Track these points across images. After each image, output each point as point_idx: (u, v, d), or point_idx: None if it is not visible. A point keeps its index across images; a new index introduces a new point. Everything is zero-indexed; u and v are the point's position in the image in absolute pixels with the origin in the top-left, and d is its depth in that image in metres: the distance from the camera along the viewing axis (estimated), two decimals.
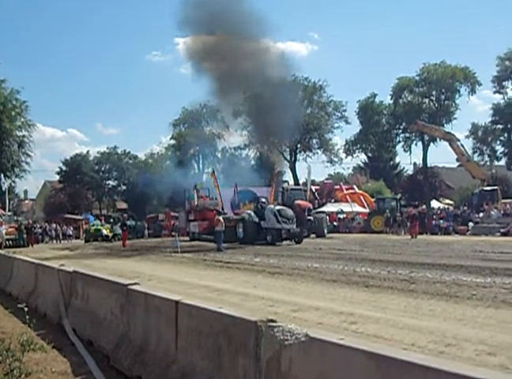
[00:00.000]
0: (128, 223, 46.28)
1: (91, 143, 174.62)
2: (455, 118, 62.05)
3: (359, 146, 67.47)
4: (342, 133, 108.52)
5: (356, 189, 50.32)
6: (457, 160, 56.29)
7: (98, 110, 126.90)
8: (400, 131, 64.27)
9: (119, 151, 79.13)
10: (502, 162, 63.99)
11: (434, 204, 59.20)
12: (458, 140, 50.84)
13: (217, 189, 40.70)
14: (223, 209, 38.72)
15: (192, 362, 6.02)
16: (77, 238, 53.38)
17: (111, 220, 56.07)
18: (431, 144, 60.98)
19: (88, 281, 9.83)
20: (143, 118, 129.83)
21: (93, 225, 51.51)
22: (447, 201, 62.25)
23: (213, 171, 44.75)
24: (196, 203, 40.88)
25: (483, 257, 19.90)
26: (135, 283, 8.06)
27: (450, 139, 50.29)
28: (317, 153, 64.73)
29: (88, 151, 80.00)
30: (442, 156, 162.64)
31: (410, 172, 71.54)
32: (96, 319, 8.93)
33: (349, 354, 4.02)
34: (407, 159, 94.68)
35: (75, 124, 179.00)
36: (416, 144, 64.09)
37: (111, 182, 79.72)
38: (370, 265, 17.86)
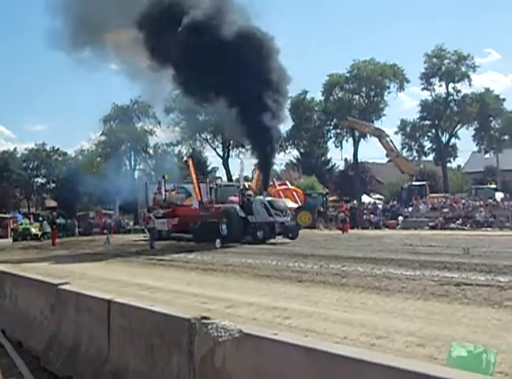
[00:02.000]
0: (58, 221, 45.23)
1: (18, 140, 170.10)
2: (384, 115, 63.25)
3: (291, 142, 67.93)
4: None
5: (289, 185, 50.61)
6: (387, 156, 57.40)
7: (25, 106, 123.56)
8: (332, 127, 65.04)
9: (48, 147, 77.47)
10: (430, 157, 65.61)
11: (365, 199, 60.22)
12: (388, 136, 51.88)
13: (195, 179, 36.87)
14: (202, 203, 34.41)
15: (125, 361, 5.94)
16: (5, 237, 51.94)
17: (40, 219, 54.76)
18: (362, 139, 61.96)
19: (16, 281, 9.59)
20: (72, 113, 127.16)
21: (21, 224, 50.21)
22: (377, 196, 63.43)
23: (191, 157, 41.61)
24: (164, 197, 35.74)
25: (412, 251, 20.33)
26: (65, 283, 7.90)
27: (380, 135, 51.25)
28: (249, 149, 64.96)
29: (15, 149, 78.15)
30: (372, 152, 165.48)
31: (341, 168, 72.56)
32: (25, 320, 8.72)
33: (283, 348, 4.03)
34: (338, 155, 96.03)
35: (1, 120, 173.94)
36: (346, 140, 64.99)
37: (40, 180, 77.90)
38: (303, 260, 18.00)
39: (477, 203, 41.88)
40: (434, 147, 64.00)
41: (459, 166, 74.83)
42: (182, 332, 5.11)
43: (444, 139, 63.33)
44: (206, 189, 34.81)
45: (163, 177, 37.32)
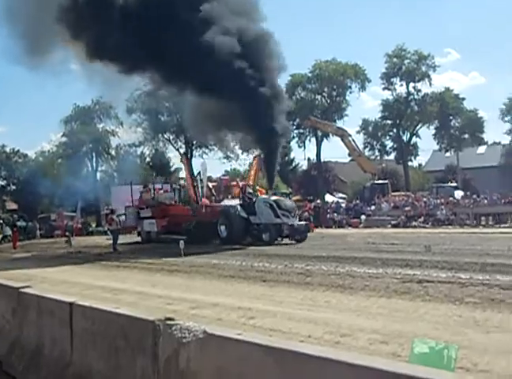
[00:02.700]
0: (18, 223, 44.67)
1: None
2: (346, 114, 63.67)
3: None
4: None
5: (257, 187, 50.85)
6: (349, 155, 57.81)
7: None
8: (294, 127, 65.31)
9: (8, 149, 76.23)
10: (392, 156, 66.24)
11: (328, 198, 60.53)
12: (350, 136, 52.22)
13: (189, 177, 35.52)
14: (197, 202, 32.84)
15: (89, 363, 5.89)
16: None
17: (1, 221, 53.91)
18: (324, 139, 62.29)
19: None
20: (32, 114, 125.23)
21: None
22: (340, 195, 63.80)
23: (185, 154, 40.05)
24: (152, 196, 33.89)
25: (375, 249, 20.51)
26: (27, 286, 7.80)
27: (342, 134, 51.59)
28: (213, 149, 64.77)
29: None
30: (335, 151, 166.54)
31: (305, 167, 72.83)
32: None
33: (247, 348, 4.04)
34: (301, 155, 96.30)
35: None
36: (309, 140, 65.27)
37: (0, 182, 76.69)
38: (267, 260, 18.05)
39: (438, 201, 42.41)
40: (395, 146, 64.64)
41: (420, 165, 75.64)
42: (146, 334, 5.08)
43: (405, 138, 64.04)
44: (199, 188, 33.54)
45: (153, 175, 35.36)
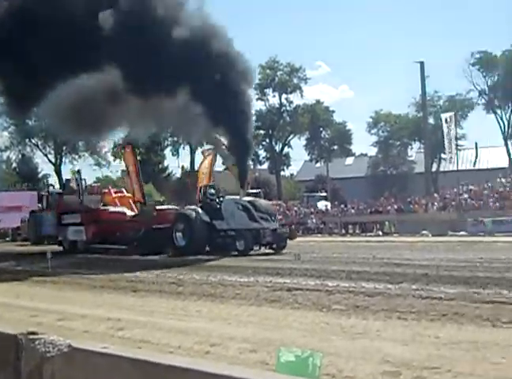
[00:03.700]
0: None
1: None
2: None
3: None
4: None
5: (125, 193, 49.94)
6: (223, 164, 58.24)
7: None
8: (169, 135, 64.95)
9: None
10: (265, 166, 67.41)
11: None
12: (224, 145, 52.58)
13: (135, 172, 30.59)
14: (144, 203, 29.34)
15: None
16: None
17: None
18: (199, 148, 62.42)
19: None
20: None
21: None
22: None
23: (131, 144, 32.89)
24: (80, 199, 28.79)
25: (246, 258, 20.73)
26: None
27: (216, 144, 51.86)
28: (84, 155, 63.19)
29: None
30: None
31: (178, 175, 72.58)
32: None
33: (113, 362, 3.94)
34: (175, 163, 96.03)
35: None
36: (183, 148, 65.20)
37: None
38: (138, 269, 17.80)
39: (308, 210, 43.52)
40: (268, 156, 65.86)
41: (292, 175, 77.35)
42: (8, 349, 4.84)
43: (278, 148, 65.38)
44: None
45: (78, 171, 31.75)
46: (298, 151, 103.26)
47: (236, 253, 22.08)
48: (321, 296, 11.02)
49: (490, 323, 8.04)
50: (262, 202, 24.56)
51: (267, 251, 22.87)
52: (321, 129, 65.44)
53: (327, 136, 66.27)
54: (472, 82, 62.05)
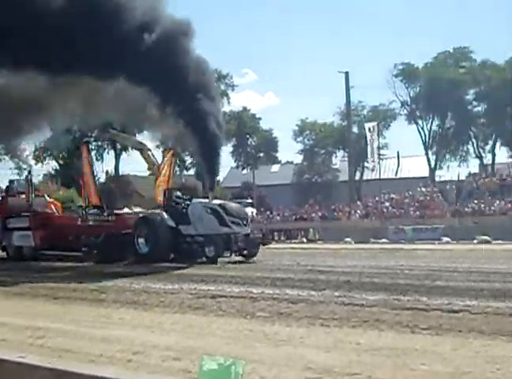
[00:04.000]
0: None
1: None
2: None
3: (49, 153, 65.56)
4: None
5: (47, 198, 48.84)
6: (149, 169, 57.64)
7: None
8: (93, 139, 63.96)
9: None
10: (192, 171, 67.22)
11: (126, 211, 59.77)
12: (149, 150, 52.06)
13: (89, 171, 28.26)
14: (102, 207, 26.78)
15: None
16: None
17: None
18: (124, 152, 61.69)
19: None
20: None
21: None
22: (139, 209, 63.33)
23: (87, 143, 30.95)
24: (30, 201, 26.85)
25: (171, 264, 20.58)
26: None
27: (141, 148, 51.31)
28: (4, 159, 61.46)
29: None
30: (134, 165, 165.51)
31: (102, 180, 71.50)
32: None
33: (31, 372, 3.85)
34: (99, 167, 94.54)
35: None
36: (108, 153, 64.36)
37: None
38: (59, 276, 17.43)
39: None
40: (194, 162, 65.67)
41: (218, 181, 77.39)
42: None
43: None
44: None
45: (29, 172, 29.61)
46: (224, 157, 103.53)
47: (204, 260, 20.67)
48: (246, 303, 11.04)
49: (409, 329, 8.24)
50: (233, 205, 23.06)
51: (237, 258, 21.45)
52: (247, 136, 65.81)
53: (253, 143, 66.71)
54: (395, 93, 63.80)
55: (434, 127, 64.28)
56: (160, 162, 31.13)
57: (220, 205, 21.55)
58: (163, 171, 30.51)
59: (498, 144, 62.66)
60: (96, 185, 29.02)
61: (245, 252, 21.49)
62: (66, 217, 27.44)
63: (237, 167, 69.06)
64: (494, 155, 62.74)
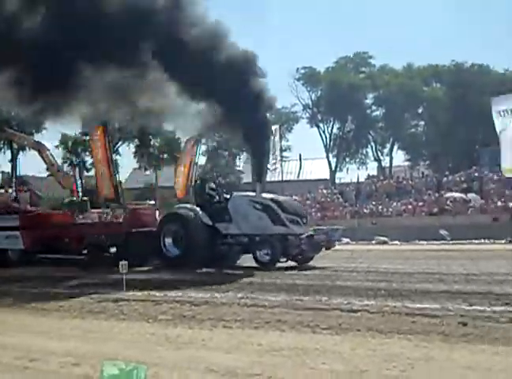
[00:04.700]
0: None
1: None
2: (45, 128, 61.83)
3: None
4: None
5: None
6: (47, 170, 56.14)
7: None
8: None
9: None
10: (92, 172, 65.78)
11: None
12: (48, 150, 50.70)
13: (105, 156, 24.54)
14: (117, 201, 24.06)
15: None
16: None
17: None
18: (21, 152, 59.78)
19: None
20: None
21: None
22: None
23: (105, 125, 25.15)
24: (15, 198, 24.87)
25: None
26: None
27: (40, 149, 49.91)
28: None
29: None
30: (32, 165, 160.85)
31: None
32: None
33: None
34: None
35: None
36: (4, 153, 62.21)
37: None
38: None
39: None
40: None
41: (121, 182, 76.29)
42: None
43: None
44: None
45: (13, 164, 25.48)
46: (127, 158, 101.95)
47: (258, 265, 17.56)
48: (148, 306, 10.94)
49: (310, 329, 8.39)
50: (289, 200, 20.03)
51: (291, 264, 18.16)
52: (150, 136, 65.07)
53: (157, 144, 66.02)
54: (297, 96, 64.86)
55: (334, 130, 65.82)
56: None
57: (272, 200, 18.33)
58: (183, 162, 28.46)
59: (395, 148, 64.85)
60: (112, 175, 25.17)
61: (299, 256, 18.14)
62: (60, 216, 23.92)
63: (140, 168, 68.20)
64: (391, 159, 64.93)
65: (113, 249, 20.11)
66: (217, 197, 19.11)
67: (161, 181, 61.36)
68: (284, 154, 53.83)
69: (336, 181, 61.54)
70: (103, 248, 20.39)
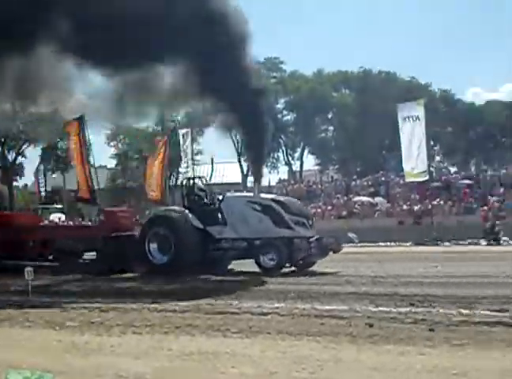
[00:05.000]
0: None
1: None
2: None
3: None
4: None
5: None
6: None
7: None
8: None
9: None
10: None
11: None
12: None
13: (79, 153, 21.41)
14: (94, 201, 21.50)
15: None
16: None
17: None
18: None
19: None
20: None
21: None
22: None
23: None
24: None
25: None
26: None
27: None
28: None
29: None
30: None
31: None
32: None
33: None
34: None
35: None
36: None
37: None
38: None
39: None
40: (0, 165, 62.49)
41: (26, 185, 74.18)
42: None
43: (11, 157, 62.26)
44: None
45: None
46: (33, 161, 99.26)
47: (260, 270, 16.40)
48: (55, 314, 10.68)
49: (221, 333, 8.42)
50: (292, 200, 18.72)
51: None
52: (58, 139, 63.59)
53: (64, 146, 64.53)
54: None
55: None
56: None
57: (273, 200, 17.26)
58: (156, 161, 26.20)
59: (306, 152, 65.66)
60: (86, 172, 21.97)
61: (300, 261, 16.84)
62: (28, 216, 22.06)
63: (48, 171, 66.51)
64: (302, 163, 65.67)
65: (89, 255, 18.57)
66: (207, 198, 17.79)
67: (69, 185, 60.12)
68: (197, 158, 53.55)
69: (249, 184, 61.79)
70: (76, 253, 18.56)
